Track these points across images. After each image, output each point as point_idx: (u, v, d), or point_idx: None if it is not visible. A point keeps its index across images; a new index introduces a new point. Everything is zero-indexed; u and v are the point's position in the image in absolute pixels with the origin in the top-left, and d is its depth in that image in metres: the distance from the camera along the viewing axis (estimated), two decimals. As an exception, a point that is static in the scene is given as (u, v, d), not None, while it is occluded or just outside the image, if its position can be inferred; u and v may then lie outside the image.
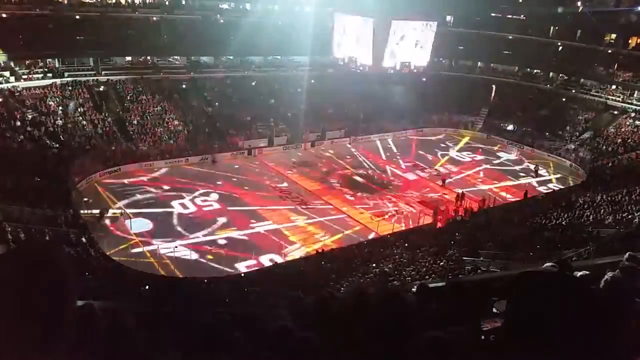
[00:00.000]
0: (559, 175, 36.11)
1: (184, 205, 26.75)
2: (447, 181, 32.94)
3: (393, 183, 32.88)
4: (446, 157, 38.89)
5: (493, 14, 48.56)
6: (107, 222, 24.38)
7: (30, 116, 30.91)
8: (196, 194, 28.35)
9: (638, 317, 2.42)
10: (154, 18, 39.70)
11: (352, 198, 29.86)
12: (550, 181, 35.12)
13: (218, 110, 38.73)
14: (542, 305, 1.55)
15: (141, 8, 39.28)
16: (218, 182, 30.47)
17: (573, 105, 43.85)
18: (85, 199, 25.48)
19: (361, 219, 26.87)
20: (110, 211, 25.21)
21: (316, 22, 41.63)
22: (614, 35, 43.41)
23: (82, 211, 23.68)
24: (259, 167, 34.18)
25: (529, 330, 1.56)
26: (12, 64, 33.52)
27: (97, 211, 24.62)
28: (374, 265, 20.31)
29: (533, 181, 34.86)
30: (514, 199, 30.37)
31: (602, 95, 42.77)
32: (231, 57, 43.49)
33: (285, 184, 31.26)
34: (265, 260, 21.98)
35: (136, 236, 23.09)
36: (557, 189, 32.91)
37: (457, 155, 39.56)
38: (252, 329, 2.62)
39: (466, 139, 43.74)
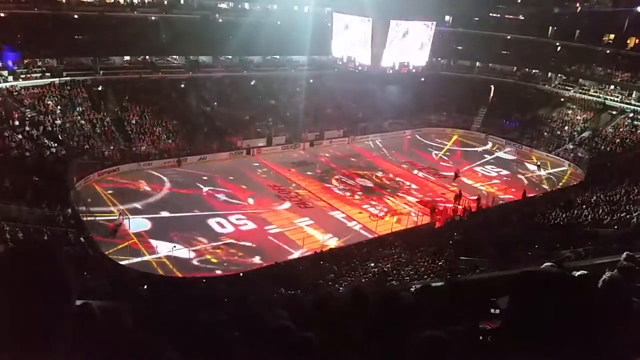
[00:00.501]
0: (557, 175, 36.14)
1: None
2: (459, 172, 33.26)
3: (391, 183, 32.87)
4: (444, 157, 38.89)
5: (492, 14, 48.61)
6: (105, 221, 24.33)
7: (28, 115, 30.86)
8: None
9: (636, 317, 2.42)
10: (153, 17, 39.61)
11: (350, 198, 29.86)
12: (548, 180, 35.13)
13: (217, 110, 38.70)
14: (542, 305, 1.55)
15: (140, 7, 39.20)
16: (217, 182, 30.44)
17: (571, 105, 43.92)
18: (86, 204, 25.36)
19: (360, 219, 26.86)
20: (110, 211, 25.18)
21: (315, 22, 41.66)
22: (612, 36, 43.47)
23: (84, 217, 23.59)
24: (257, 167, 34.14)
25: (528, 330, 1.56)
26: (10, 62, 33.44)
27: (103, 219, 24.50)
28: (373, 264, 20.30)
29: (532, 180, 34.89)
30: (512, 198, 30.38)
31: (601, 95, 42.83)
32: (230, 57, 43.47)
33: (284, 184, 31.22)
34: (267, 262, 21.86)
35: (135, 236, 23.05)
36: (556, 188, 32.93)
37: (455, 155, 39.54)
38: (251, 329, 2.62)
39: (464, 139, 43.75)
